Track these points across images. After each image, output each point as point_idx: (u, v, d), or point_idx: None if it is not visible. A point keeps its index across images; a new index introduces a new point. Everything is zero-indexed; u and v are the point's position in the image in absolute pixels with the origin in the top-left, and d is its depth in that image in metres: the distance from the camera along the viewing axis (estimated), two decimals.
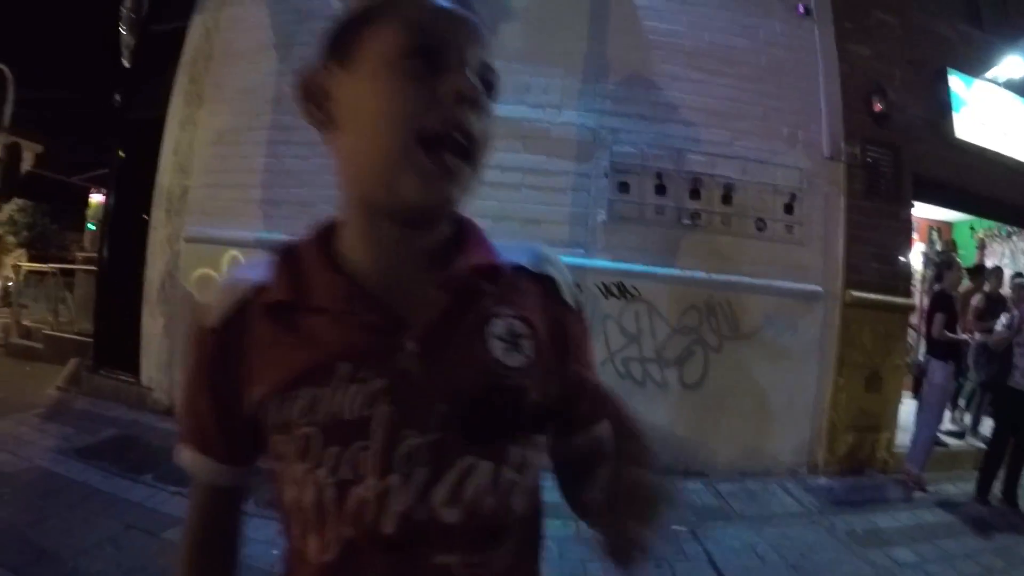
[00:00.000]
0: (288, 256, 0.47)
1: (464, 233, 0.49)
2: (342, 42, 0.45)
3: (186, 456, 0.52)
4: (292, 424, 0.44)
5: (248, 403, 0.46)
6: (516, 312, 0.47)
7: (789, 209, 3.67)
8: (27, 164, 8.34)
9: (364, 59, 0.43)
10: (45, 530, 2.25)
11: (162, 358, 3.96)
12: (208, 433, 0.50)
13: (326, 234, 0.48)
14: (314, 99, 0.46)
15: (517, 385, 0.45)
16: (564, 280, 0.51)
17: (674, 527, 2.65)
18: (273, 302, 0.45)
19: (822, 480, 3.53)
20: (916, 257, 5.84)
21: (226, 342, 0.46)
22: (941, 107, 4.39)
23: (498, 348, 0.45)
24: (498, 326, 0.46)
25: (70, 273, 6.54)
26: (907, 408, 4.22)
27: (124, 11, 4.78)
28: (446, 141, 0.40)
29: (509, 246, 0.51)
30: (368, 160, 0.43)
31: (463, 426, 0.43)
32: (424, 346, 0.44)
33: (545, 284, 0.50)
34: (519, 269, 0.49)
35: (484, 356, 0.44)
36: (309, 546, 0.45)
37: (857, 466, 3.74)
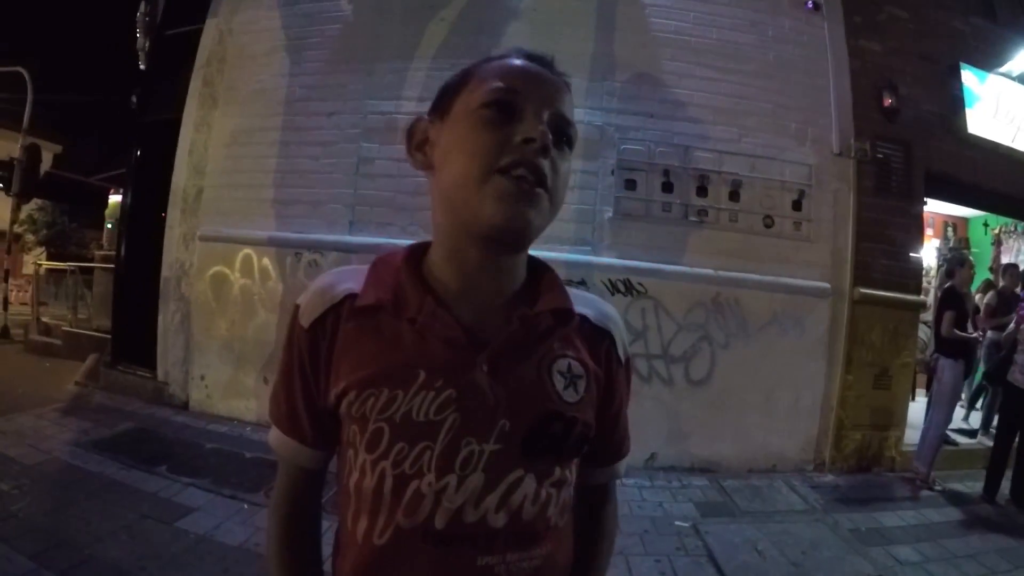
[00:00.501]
0: (381, 267, 0.54)
1: (542, 277, 0.56)
2: (442, 99, 0.54)
3: (275, 437, 0.58)
4: (367, 418, 0.49)
5: (331, 394, 0.52)
6: (577, 355, 0.54)
7: (797, 206, 3.66)
8: (46, 165, 8.51)
9: (456, 111, 0.52)
10: (63, 519, 2.32)
11: (178, 354, 4.06)
12: (295, 417, 0.56)
13: (417, 254, 0.55)
14: (418, 146, 0.56)
15: (570, 416, 0.52)
16: (620, 337, 0.59)
17: (676, 522, 2.67)
18: (363, 306, 0.52)
19: (828, 478, 3.52)
20: (930, 253, 5.78)
21: (317, 339, 0.53)
22: (953, 102, 4.32)
23: (559, 382, 0.52)
24: (561, 364, 0.53)
25: (88, 271, 6.69)
26: (917, 406, 4.19)
27: (139, 15, 4.87)
28: (519, 170, 0.47)
29: (580, 295, 0.59)
30: (456, 190, 0.50)
31: (521, 442, 0.49)
32: (494, 367, 0.50)
33: (605, 338, 0.58)
34: (584, 319, 0.56)
35: (547, 387, 0.51)
36: (360, 527, 0.50)
37: (865, 464, 3.72)
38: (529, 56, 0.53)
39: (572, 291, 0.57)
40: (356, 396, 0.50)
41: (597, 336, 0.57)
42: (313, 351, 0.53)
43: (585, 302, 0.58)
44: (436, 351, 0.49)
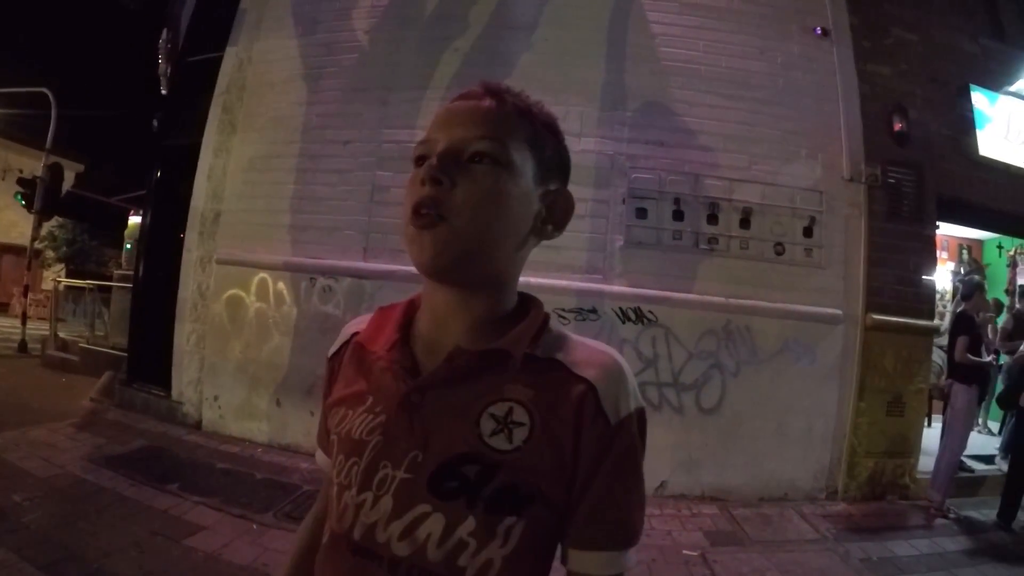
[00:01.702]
0: (383, 311, 0.61)
1: (522, 317, 0.54)
2: None
3: (317, 454, 0.66)
4: (331, 431, 0.58)
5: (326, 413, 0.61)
6: (525, 400, 0.50)
7: (808, 232, 3.66)
8: (68, 184, 8.71)
9: None
10: (73, 532, 2.35)
11: (192, 374, 4.11)
12: (322, 434, 0.64)
13: (418, 299, 0.60)
14: None
15: (489, 462, 0.48)
16: (610, 391, 0.50)
17: (684, 551, 2.65)
18: (356, 343, 0.60)
19: (841, 506, 3.47)
20: (945, 277, 5.71)
21: (332, 367, 0.63)
22: (964, 124, 4.30)
23: (488, 425, 0.49)
24: (500, 408, 0.50)
25: (107, 289, 6.81)
26: (932, 432, 4.13)
27: (162, 42, 5.02)
28: (414, 213, 0.50)
29: (570, 340, 0.54)
30: None
31: (428, 477, 0.49)
32: (422, 398, 0.51)
33: (577, 388, 0.50)
34: (557, 364, 0.51)
35: (470, 427, 0.49)
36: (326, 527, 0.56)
37: (878, 492, 3.66)
38: (460, 95, 0.55)
39: (570, 336, 0.55)
40: (329, 412, 0.59)
41: (567, 386, 0.50)
42: (329, 378, 0.63)
43: (572, 348, 0.53)
44: (386, 381, 0.54)
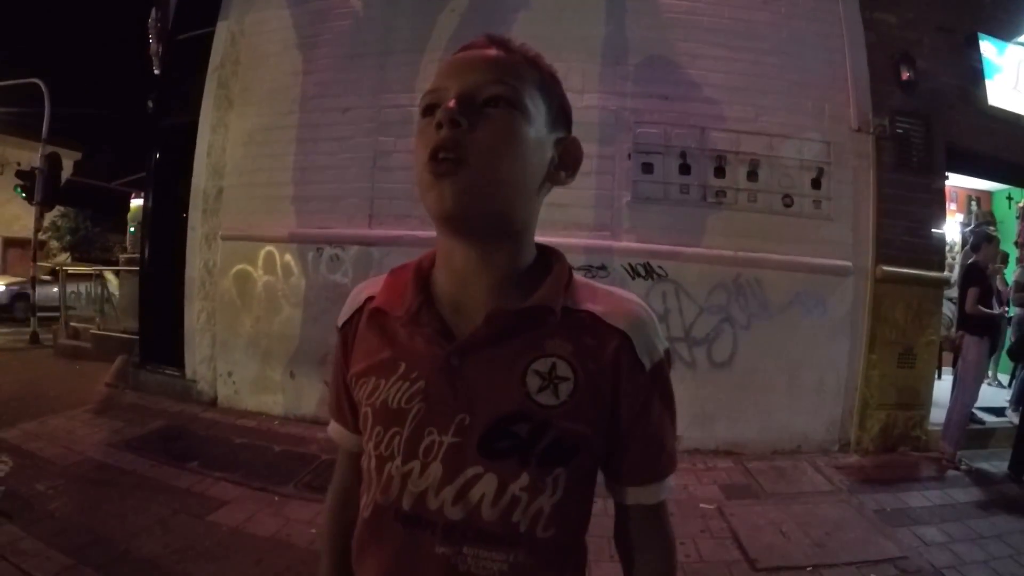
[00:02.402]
0: (396, 273, 0.59)
1: (550, 270, 0.54)
2: None
3: (330, 426, 0.66)
4: (361, 402, 0.56)
5: (348, 384, 0.59)
6: (566, 354, 0.50)
7: (817, 184, 3.61)
8: (66, 172, 8.68)
9: None
10: (98, 516, 2.38)
11: (204, 352, 4.14)
12: (340, 407, 0.63)
13: (428, 259, 0.58)
14: None
15: (540, 419, 0.49)
16: (643, 339, 0.52)
17: (701, 505, 2.68)
18: (373, 308, 0.57)
19: (853, 458, 3.49)
20: (953, 228, 5.66)
21: (346, 336, 0.60)
22: (973, 74, 4.21)
23: (534, 382, 0.49)
24: (543, 363, 0.50)
25: (114, 273, 6.82)
26: (943, 384, 4.14)
27: (151, 21, 4.94)
28: (432, 157, 0.48)
29: (600, 290, 0.55)
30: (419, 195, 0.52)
31: (478, 439, 0.49)
32: (462, 362, 0.50)
33: (613, 338, 0.52)
34: (591, 316, 0.52)
35: (516, 386, 0.49)
36: (361, 503, 0.56)
37: (890, 444, 3.67)
38: (464, 46, 0.54)
39: (593, 285, 0.56)
40: (355, 383, 0.57)
41: (603, 336, 0.52)
42: (344, 347, 0.60)
43: (601, 298, 0.54)
44: (418, 346, 0.52)
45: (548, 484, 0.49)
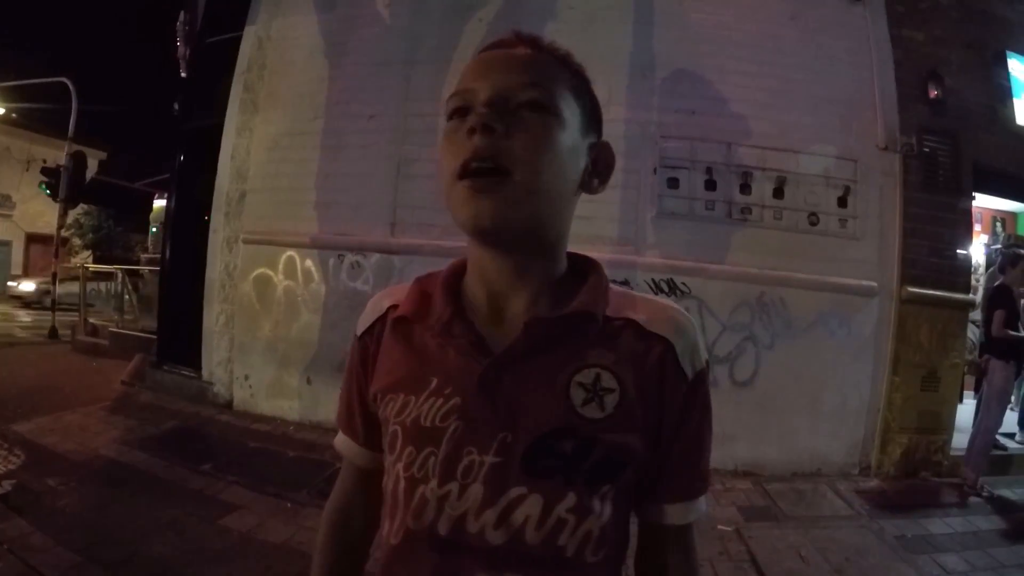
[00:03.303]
0: (422, 281, 0.56)
1: (587, 279, 0.52)
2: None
3: (337, 438, 0.63)
4: (389, 420, 0.52)
5: (370, 398, 0.56)
6: (609, 364, 0.48)
7: (843, 202, 3.57)
8: (91, 171, 8.84)
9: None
10: (110, 515, 2.38)
11: (222, 354, 4.16)
12: (350, 417, 0.60)
13: (458, 269, 0.55)
14: None
15: (586, 434, 0.46)
16: (686, 347, 0.50)
17: (719, 526, 2.64)
18: (398, 317, 0.54)
19: (874, 482, 3.43)
20: (978, 250, 5.58)
21: (366, 346, 0.57)
22: (1001, 92, 4.16)
23: (578, 395, 0.47)
24: (586, 375, 0.47)
25: (134, 273, 6.93)
26: (966, 408, 4.06)
27: (179, 24, 5.02)
28: (468, 168, 0.45)
29: (639, 299, 0.53)
30: (446, 204, 0.49)
31: (521, 458, 0.46)
32: (500, 376, 0.47)
33: (656, 346, 0.49)
34: (631, 324, 0.50)
35: (560, 400, 0.47)
36: (385, 528, 0.52)
37: (912, 469, 3.60)
38: (491, 44, 0.51)
39: (631, 293, 0.54)
40: (381, 399, 0.53)
41: (646, 344, 0.49)
42: (363, 358, 0.57)
43: (640, 306, 0.52)
44: (450, 359, 0.50)
45: (596, 504, 0.47)
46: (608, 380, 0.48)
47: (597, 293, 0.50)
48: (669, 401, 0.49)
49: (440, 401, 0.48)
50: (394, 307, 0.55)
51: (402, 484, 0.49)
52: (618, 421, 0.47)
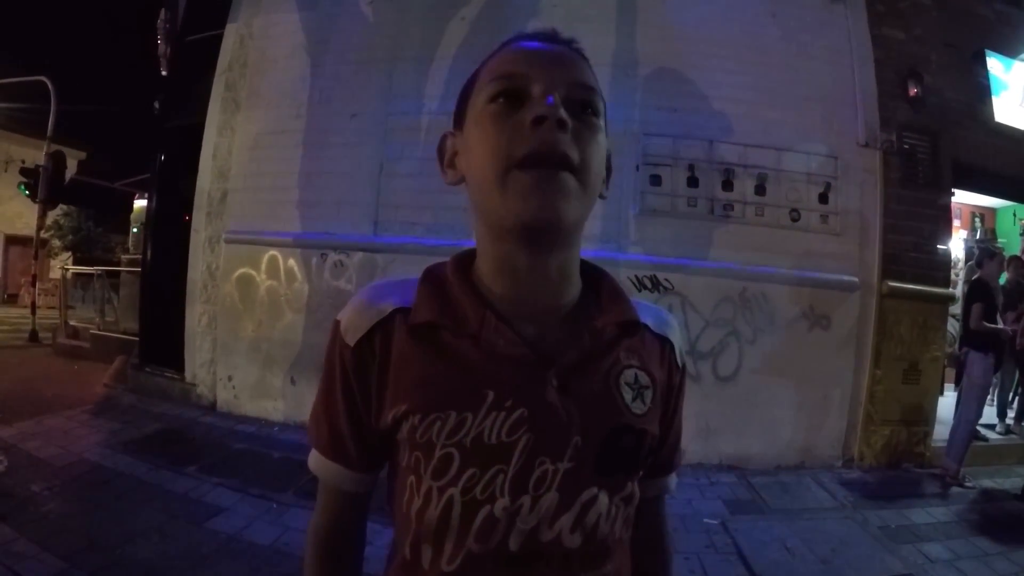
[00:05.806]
0: (433, 281, 0.51)
1: (600, 284, 0.54)
2: (459, 107, 0.53)
3: (315, 461, 0.54)
4: (435, 443, 0.46)
5: (384, 417, 0.48)
6: (643, 364, 0.52)
7: (824, 199, 3.61)
8: (71, 171, 8.71)
9: (470, 115, 0.50)
10: (94, 520, 2.35)
11: (205, 355, 4.12)
12: (339, 440, 0.51)
13: (465, 264, 0.52)
14: (449, 162, 0.54)
15: (640, 428, 0.50)
16: (679, 343, 0.58)
17: (705, 520, 2.66)
18: (419, 323, 0.48)
19: (857, 474, 3.48)
20: (958, 245, 5.67)
21: (364, 357, 0.49)
22: (980, 90, 4.24)
23: (628, 394, 0.50)
24: (628, 375, 0.51)
25: (115, 274, 6.82)
26: (946, 401, 4.12)
27: (160, 22, 4.95)
28: (537, 158, 0.44)
29: (640, 304, 0.56)
30: (481, 194, 0.48)
31: (594, 459, 0.47)
32: (564, 383, 0.47)
33: (665, 345, 0.56)
34: (645, 327, 0.54)
35: (616, 400, 0.50)
36: (424, 556, 0.47)
37: (894, 460, 3.66)
38: (532, 35, 0.50)
39: (636, 301, 0.56)
40: (421, 420, 0.46)
41: (658, 344, 0.55)
42: (360, 370, 0.49)
43: (644, 310, 0.56)
44: (503, 369, 0.47)
45: (636, 489, 0.52)
46: (644, 378, 0.52)
47: (627, 300, 0.54)
48: (675, 392, 0.57)
49: (503, 415, 0.46)
50: (400, 310, 0.49)
51: (457, 509, 0.46)
52: (653, 414, 0.52)
